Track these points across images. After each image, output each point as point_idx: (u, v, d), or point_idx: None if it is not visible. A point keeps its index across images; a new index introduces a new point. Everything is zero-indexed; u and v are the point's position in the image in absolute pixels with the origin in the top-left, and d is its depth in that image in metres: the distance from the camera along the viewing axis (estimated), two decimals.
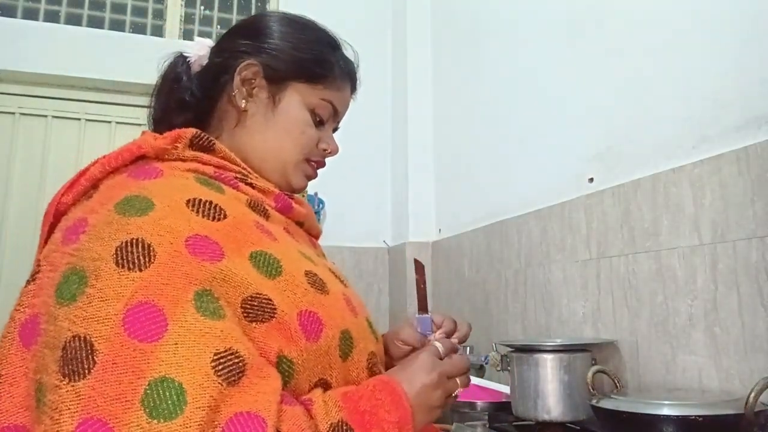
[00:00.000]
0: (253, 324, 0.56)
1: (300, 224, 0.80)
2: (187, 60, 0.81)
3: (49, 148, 2.45)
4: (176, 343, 0.50)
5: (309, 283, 0.63)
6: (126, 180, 0.63)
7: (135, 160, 0.66)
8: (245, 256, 0.59)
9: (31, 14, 2.49)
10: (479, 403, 1.44)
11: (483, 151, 2.13)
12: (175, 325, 0.51)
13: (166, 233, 0.56)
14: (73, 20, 2.54)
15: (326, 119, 0.81)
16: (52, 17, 2.51)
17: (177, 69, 0.81)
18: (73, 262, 0.55)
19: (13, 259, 2.33)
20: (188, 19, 2.72)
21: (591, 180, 1.49)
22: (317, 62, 0.79)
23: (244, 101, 0.77)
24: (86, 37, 2.49)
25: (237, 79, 0.76)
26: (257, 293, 0.57)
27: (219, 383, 0.50)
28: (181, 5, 2.71)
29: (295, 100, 0.78)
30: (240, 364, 0.52)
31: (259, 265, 0.60)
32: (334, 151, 0.83)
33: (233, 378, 0.51)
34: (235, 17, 2.79)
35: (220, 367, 0.50)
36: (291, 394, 0.57)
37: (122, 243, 0.54)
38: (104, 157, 0.66)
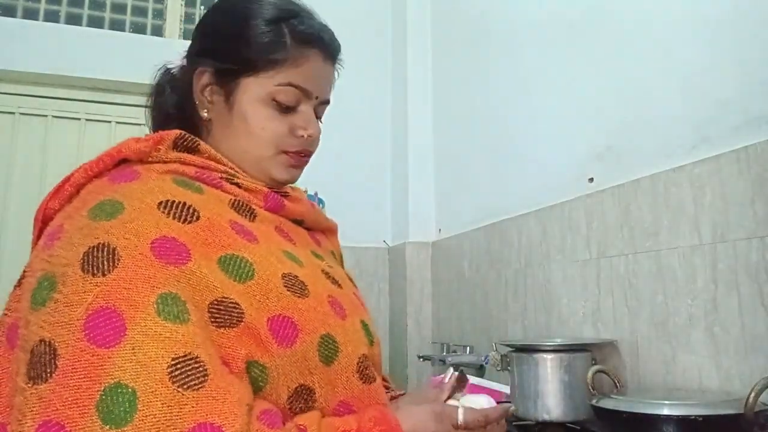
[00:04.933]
0: (222, 329, 0.56)
1: (299, 222, 0.78)
2: (171, 71, 0.81)
3: (49, 148, 2.45)
4: (133, 348, 0.50)
5: (285, 286, 0.62)
6: (105, 184, 0.63)
7: (118, 164, 0.66)
8: (213, 260, 0.59)
9: (31, 14, 2.49)
10: None
11: (483, 150, 2.13)
12: (134, 329, 0.51)
13: (132, 236, 0.56)
14: (73, 20, 2.55)
15: (295, 103, 0.73)
16: (52, 17, 2.51)
17: (161, 81, 0.81)
18: (46, 268, 0.56)
19: (13, 258, 2.32)
20: (188, 18, 2.72)
21: (591, 180, 1.49)
22: (259, 49, 0.71)
23: (205, 111, 0.75)
24: (86, 37, 2.50)
25: (196, 89, 0.75)
26: (224, 297, 0.56)
27: (175, 389, 0.49)
28: (181, 5, 2.71)
29: (247, 97, 0.72)
30: (200, 369, 0.51)
31: (228, 269, 0.59)
32: (314, 134, 0.75)
33: (194, 383, 0.50)
34: None
35: (177, 372, 0.50)
36: (272, 404, 0.57)
37: (89, 248, 0.55)
38: (88, 162, 0.66)
